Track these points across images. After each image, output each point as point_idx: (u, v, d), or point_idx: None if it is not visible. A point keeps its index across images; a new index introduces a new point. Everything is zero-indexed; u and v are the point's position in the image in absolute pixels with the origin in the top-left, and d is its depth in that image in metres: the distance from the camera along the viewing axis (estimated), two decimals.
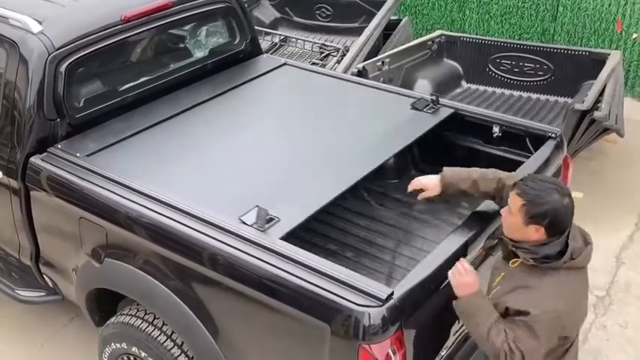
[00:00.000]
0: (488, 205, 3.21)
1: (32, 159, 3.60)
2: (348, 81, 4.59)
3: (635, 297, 4.76)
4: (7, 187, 3.75)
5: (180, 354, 3.33)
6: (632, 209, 5.63)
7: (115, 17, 3.91)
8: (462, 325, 3.11)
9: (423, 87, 6.23)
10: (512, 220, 2.71)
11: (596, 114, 5.25)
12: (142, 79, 4.10)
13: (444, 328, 3.07)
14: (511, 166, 3.52)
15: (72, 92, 3.74)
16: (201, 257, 3.01)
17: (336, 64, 6.05)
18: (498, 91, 6.51)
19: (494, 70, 6.53)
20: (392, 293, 2.65)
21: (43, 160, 3.59)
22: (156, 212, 3.14)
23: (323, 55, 6.59)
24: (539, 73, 6.35)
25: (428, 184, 3.23)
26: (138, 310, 3.45)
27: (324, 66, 6.11)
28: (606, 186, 5.91)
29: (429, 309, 2.85)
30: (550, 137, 3.74)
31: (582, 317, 2.87)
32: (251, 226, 2.97)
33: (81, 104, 3.81)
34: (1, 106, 3.73)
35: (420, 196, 3.27)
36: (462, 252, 2.97)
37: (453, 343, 3.16)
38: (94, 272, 3.49)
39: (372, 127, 3.90)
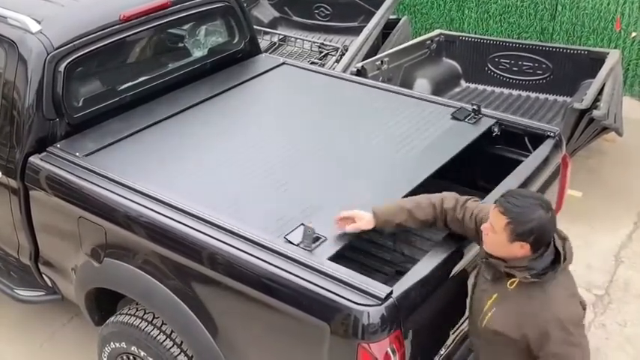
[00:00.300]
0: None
1: (31, 159, 3.60)
2: (348, 80, 4.59)
3: (634, 296, 4.76)
4: (7, 186, 3.75)
5: (180, 353, 3.33)
6: (631, 208, 5.63)
7: (113, 17, 3.90)
8: (462, 325, 3.12)
9: (422, 86, 6.24)
10: (496, 238, 2.61)
11: (595, 113, 5.25)
12: (141, 79, 4.10)
13: (443, 328, 3.07)
14: (510, 165, 3.52)
15: (71, 92, 3.74)
16: (200, 256, 3.00)
17: (335, 64, 6.05)
18: (497, 90, 6.52)
19: (493, 69, 6.53)
20: (391, 292, 2.65)
21: (42, 159, 3.59)
22: (156, 212, 3.14)
23: (322, 54, 6.60)
24: (538, 72, 6.36)
25: (362, 216, 2.96)
26: (137, 310, 3.45)
27: (323, 65, 6.11)
28: (605, 185, 5.91)
29: (429, 308, 2.84)
30: (549, 136, 3.74)
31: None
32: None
33: (80, 104, 3.81)
34: (1, 106, 3.73)
35: (349, 228, 2.95)
36: (460, 250, 2.97)
37: (452, 343, 3.15)
38: (94, 272, 3.49)
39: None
